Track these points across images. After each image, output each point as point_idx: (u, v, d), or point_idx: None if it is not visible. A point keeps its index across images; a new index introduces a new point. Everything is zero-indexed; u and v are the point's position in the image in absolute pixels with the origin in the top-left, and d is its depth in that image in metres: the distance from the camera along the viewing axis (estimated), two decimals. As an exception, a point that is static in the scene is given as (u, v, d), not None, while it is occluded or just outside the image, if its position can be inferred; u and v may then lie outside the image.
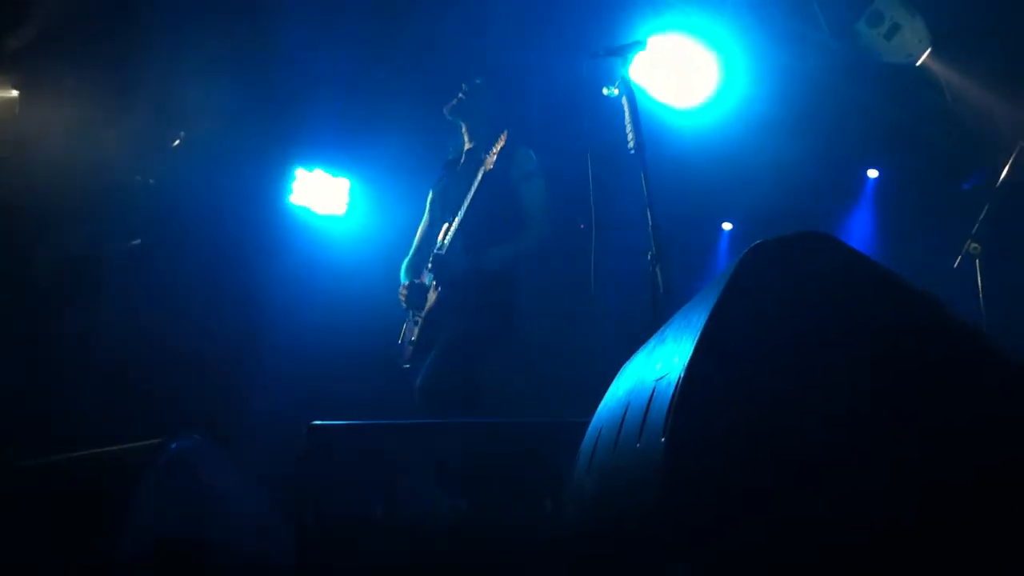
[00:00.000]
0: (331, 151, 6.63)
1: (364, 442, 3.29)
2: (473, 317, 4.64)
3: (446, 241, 4.77)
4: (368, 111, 6.48)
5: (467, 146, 5.09)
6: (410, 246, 5.28)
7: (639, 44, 4.00)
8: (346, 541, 3.18)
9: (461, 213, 4.71)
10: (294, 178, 6.55)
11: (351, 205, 6.73)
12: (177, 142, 5.91)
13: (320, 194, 6.63)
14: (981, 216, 4.96)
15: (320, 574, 3.16)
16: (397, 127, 6.44)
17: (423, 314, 4.84)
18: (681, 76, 5.56)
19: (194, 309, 5.67)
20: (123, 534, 3.65)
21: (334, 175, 6.69)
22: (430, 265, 4.83)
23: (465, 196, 4.75)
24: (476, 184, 4.66)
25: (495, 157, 4.60)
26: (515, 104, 5.17)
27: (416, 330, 4.88)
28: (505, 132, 4.60)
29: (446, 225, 4.86)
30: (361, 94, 6.45)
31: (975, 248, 4.96)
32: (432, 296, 4.79)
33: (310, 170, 6.60)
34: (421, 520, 3.14)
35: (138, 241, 5.65)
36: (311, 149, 6.57)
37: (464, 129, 5.09)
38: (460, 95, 5.01)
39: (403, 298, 5.00)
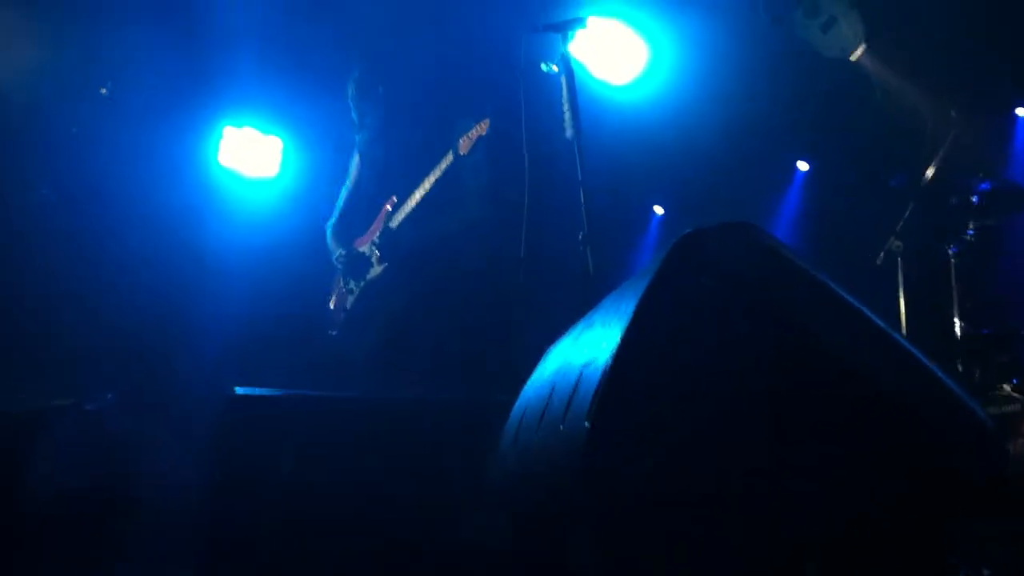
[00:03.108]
0: (262, 108, 6.43)
1: (284, 412, 3.26)
2: (421, 294, 4.61)
3: (399, 218, 4.72)
4: (301, 66, 6.31)
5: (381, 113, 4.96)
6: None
7: (579, 21, 3.97)
8: (254, 503, 3.16)
9: (420, 193, 4.63)
10: (221, 136, 6.34)
11: (283, 166, 6.53)
12: (104, 90, 5.71)
13: (250, 154, 6.41)
14: (906, 214, 5.05)
15: (227, 531, 3.15)
16: (332, 84, 6.28)
17: (362, 284, 4.78)
18: (615, 53, 5.52)
19: (115, 270, 5.51)
20: (31, 485, 3.59)
21: (265, 133, 6.49)
22: (378, 239, 4.76)
23: (416, 173, 4.68)
24: (443, 168, 4.57)
25: (472, 144, 4.50)
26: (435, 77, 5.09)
27: (351, 299, 4.82)
28: (487, 120, 4.51)
29: (394, 198, 4.78)
30: (293, 48, 6.28)
31: (897, 246, 5.05)
32: (377, 269, 4.74)
33: (239, 127, 6.40)
34: (330, 491, 3.13)
35: (46, 191, 5.43)
36: (241, 106, 6.38)
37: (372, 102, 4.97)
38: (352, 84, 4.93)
39: (340, 266, 4.93)
